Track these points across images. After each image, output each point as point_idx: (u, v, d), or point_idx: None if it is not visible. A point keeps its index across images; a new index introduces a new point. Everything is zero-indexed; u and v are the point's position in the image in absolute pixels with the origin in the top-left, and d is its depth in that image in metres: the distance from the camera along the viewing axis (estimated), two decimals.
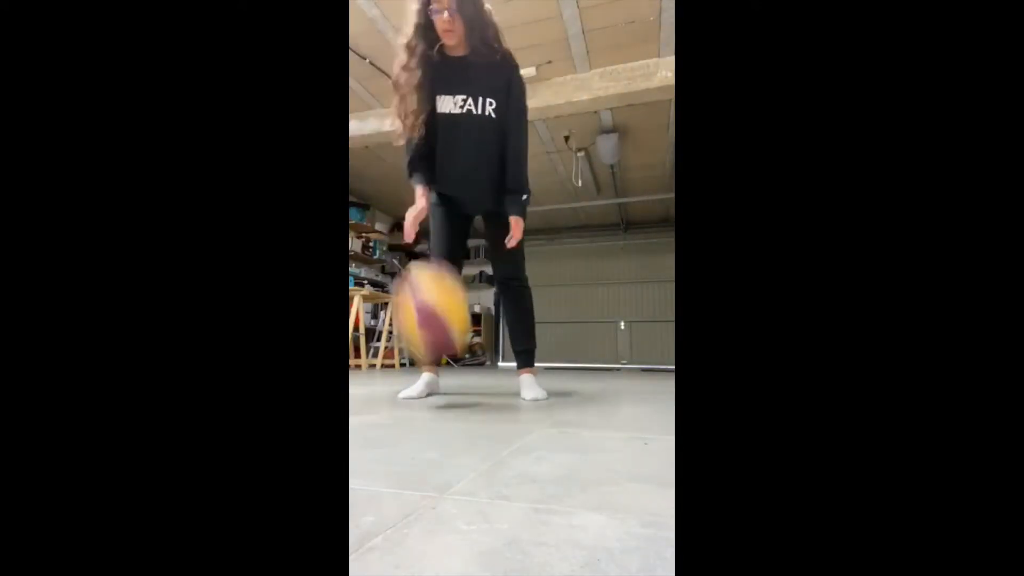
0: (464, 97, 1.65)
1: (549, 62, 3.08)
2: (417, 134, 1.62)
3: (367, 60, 3.14)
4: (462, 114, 1.65)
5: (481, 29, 1.59)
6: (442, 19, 1.55)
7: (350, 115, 3.76)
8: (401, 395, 1.78)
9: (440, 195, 1.77)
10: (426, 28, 1.58)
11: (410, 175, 1.72)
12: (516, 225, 1.69)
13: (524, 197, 1.71)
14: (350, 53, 3.06)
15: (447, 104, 1.65)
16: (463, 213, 1.82)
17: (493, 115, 1.67)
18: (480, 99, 1.65)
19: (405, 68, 1.57)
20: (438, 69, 1.62)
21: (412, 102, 1.58)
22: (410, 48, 1.57)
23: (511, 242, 1.70)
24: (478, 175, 1.70)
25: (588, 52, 3.03)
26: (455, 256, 1.82)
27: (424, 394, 1.79)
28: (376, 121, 3.74)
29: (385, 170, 4.94)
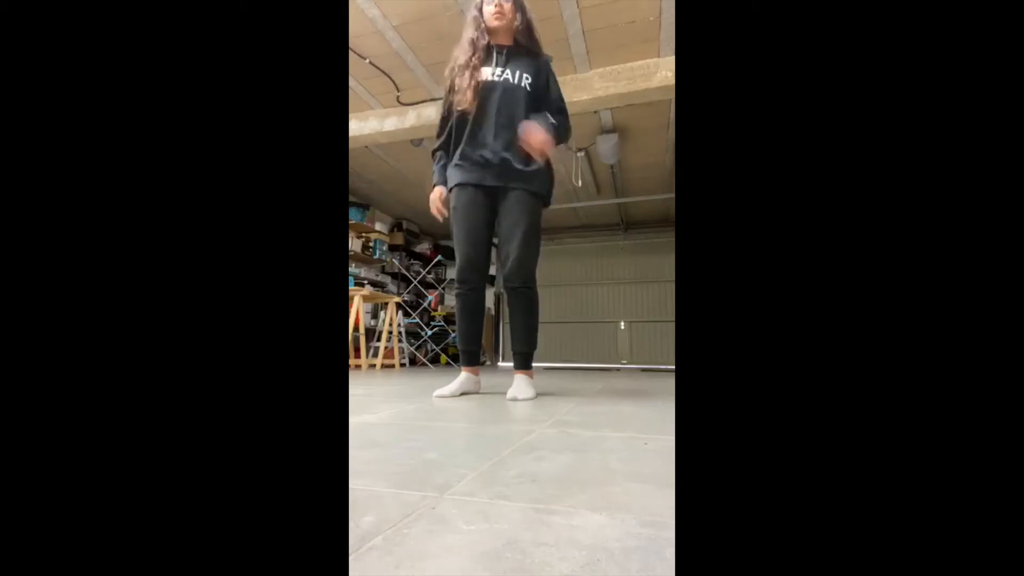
0: (502, 68, 1.82)
1: (550, 58, 3.08)
2: (474, 105, 1.79)
3: (367, 60, 3.13)
4: (498, 80, 1.81)
5: (527, 25, 1.83)
6: (493, 5, 1.79)
7: (350, 115, 3.76)
8: (436, 393, 1.81)
9: (463, 182, 1.84)
10: (479, 21, 1.82)
11: (434, 157, 1.94)
12: (543, 138, 1.74)
13: (560, 124, 1.80)
14: (350, 53, 3.06)
15: (486, 73, 1.82)
16: (486, 199, 1.85)
17: (528, 88, 1.82)
18: (517, 72, 1.82)
19: (464, 51, 1.82)
20: (485, 51, 1.83)
21: (467, 78, 1.78)
22: (471, 40, 1.81)
23: (534, 142, 1.74)
24: (506, 136, 1.79)
25: (588, 52, 3.03)
26: (479, 243, 1.85)
27: (458, 393, 1.82)
28: (376, 121, 3.73)
29: (385, 170, 4.93)
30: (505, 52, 1.84)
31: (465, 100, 1.78)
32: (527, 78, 1.82)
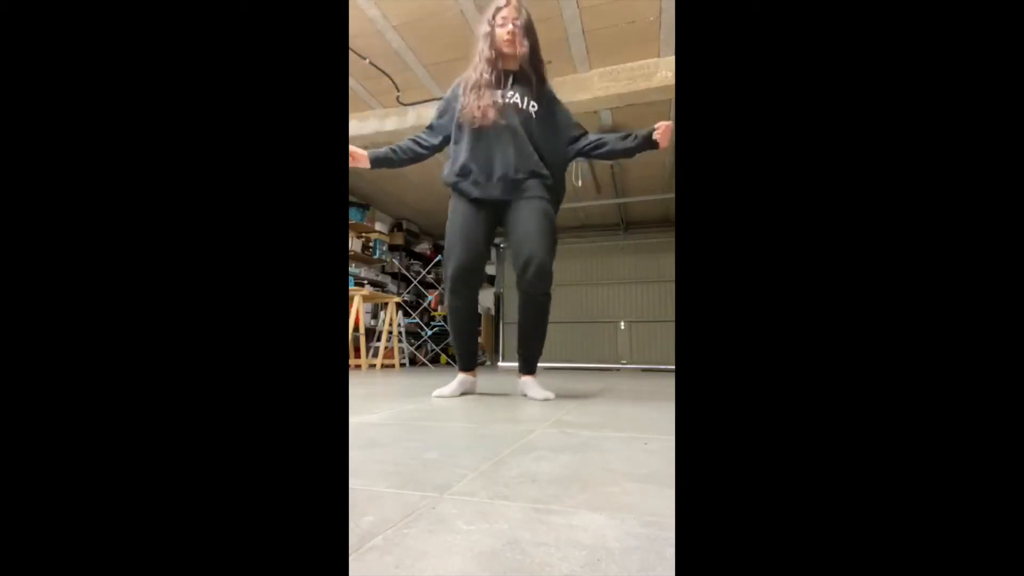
0: (512, 92, 1.83)
1: (549, 62, 3.07)
2: (493, 119, 1.78)
3: (367, 60, 3.13)
4: (508, 103, 1.81)
5: (535, 55, 1.84)
6: (507, 30, 1.78)
7: (350, 115, 3.76)
8: (435, 393, 1.83)
9: (467, 196, 1.83)
10: (491, 39, 1.82)
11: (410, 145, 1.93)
12: (663, 131, 1.81)
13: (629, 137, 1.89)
14: (350, 53, 3.06)
15: (496, 95, 1.83)
16: (488, 213, 1.85)
17: (534, 115, 1.84)
18: (525, 99, 1.83)
19: (479, 69, 1.82)
20: (497, 73, 1.85)
21: (484, 96, 1.79)
22: (488, 60, 1.81)
23: (664, 140, 1.81)
24: (514, 155, 1.79)
25: (588, 52, 3.03)
26: (476, 251, 1.83)
27: (457, 393, 1.84)
28: (376, 121, 3.73)
29: (385, 170, 4.93)
30: (512, 76, 1.85)
31: (478, 121, 1.77)
32: (534, 105, 1.85)
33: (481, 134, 1.80)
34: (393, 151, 1.89)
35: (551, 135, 1.89)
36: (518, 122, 1.80)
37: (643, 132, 1.86)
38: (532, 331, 1.88)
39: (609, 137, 1.90)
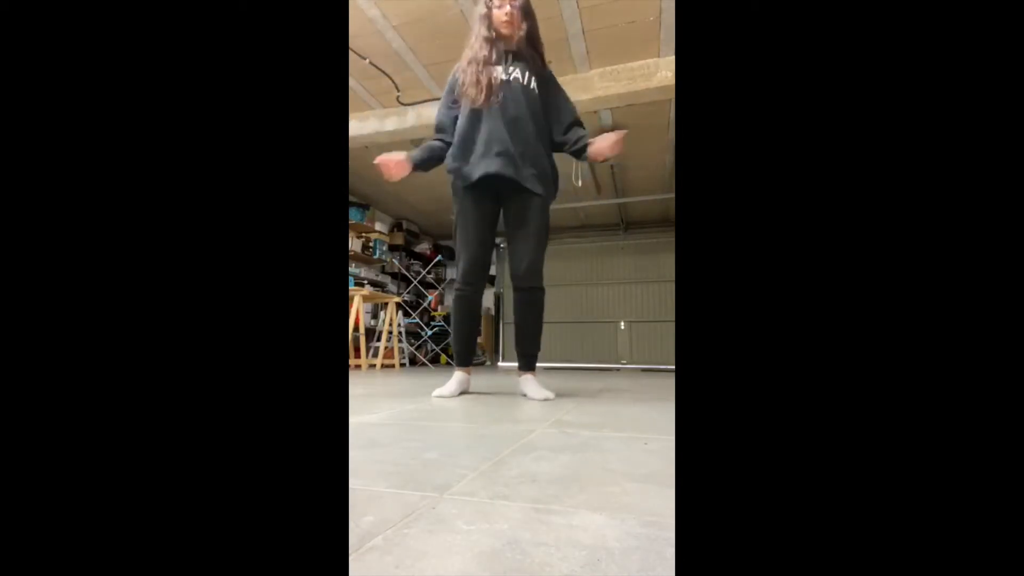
0: (512, 67, 1.80)
1: (550, 62, 3.08)
2: (495, 100, 1.75)
3: (367, 60, 3.13)
4: (509, 80, 1.79)
5: (533, 38, 1.83)
6: (504, 12, 1.77)
7: (350, 115, 3.76)
8: (434, 393, 1.84)
9: (470, 185, 1.80)
10: (488, 20, 1.81)
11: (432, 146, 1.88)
12: (609, 144, 1.73)
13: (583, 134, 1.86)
14: (350, 53, 3.06)
15: (498, 72, 1.80)
16: (493, 201, 1.84)
17: (536, 90, 1.83)
18: (526, 74, 1.82)
19: (477, 48, 1.81)
20: (496, 50, 1.83)
21: (482, 74, 1.77)
22: (486, 39, 1.80)
23: (613, 148, 1.73)
24: (519, 136, 1.76)
25: (588, 52, 3.03)
26: (485, 246, 1.84)
27: (457, 392, 1.85)
28: (376, 121, 3.73)
29: None
30: (511, 55, 1.84)
31: (480, 97, 1.74)
32: (534, 80, 1.84)
33: (482, 113, 1.77)
34: (424, 152, 1.87)
35: (549, 116, 1.88)
36: (523, 100, 1.77)
37: (587, 141, 1.82)
38: (528, 328, 1.90)
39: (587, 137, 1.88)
